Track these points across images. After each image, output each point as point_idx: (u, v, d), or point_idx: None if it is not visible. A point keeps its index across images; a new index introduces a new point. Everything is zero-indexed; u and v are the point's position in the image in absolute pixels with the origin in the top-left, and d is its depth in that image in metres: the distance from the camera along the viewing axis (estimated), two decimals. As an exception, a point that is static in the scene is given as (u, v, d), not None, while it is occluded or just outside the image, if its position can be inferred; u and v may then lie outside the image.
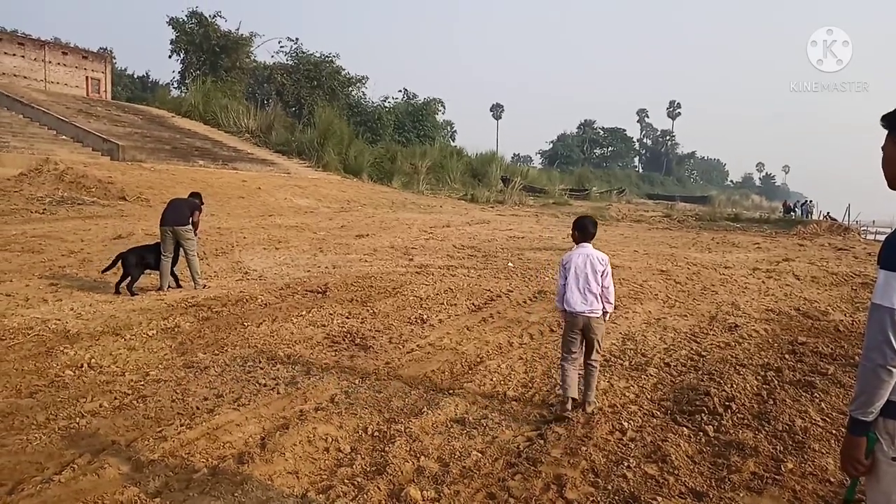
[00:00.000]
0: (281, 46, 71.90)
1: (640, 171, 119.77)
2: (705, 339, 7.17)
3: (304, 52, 52.10)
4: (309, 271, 10.69)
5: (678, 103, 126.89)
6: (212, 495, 3.45)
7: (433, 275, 10.66)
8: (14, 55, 41.65)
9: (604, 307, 4.77)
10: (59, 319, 6.89)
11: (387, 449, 4.07)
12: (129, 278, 8.40)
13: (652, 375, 5.80)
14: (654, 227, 26.24)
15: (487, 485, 3.70)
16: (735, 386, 5.40)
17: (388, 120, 52.41)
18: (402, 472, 3.78)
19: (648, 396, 5.28)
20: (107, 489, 3.45)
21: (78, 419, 4.40)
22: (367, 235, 16.54)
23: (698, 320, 8.17)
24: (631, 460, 4.02)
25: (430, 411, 4.73)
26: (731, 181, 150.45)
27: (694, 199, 65.84)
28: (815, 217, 38.96)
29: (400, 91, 72.92)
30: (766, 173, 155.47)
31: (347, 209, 25.52)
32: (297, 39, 56.68)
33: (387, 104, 55.97)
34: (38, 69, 42.80)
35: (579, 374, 4.96)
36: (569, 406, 4.71)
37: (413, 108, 56.45)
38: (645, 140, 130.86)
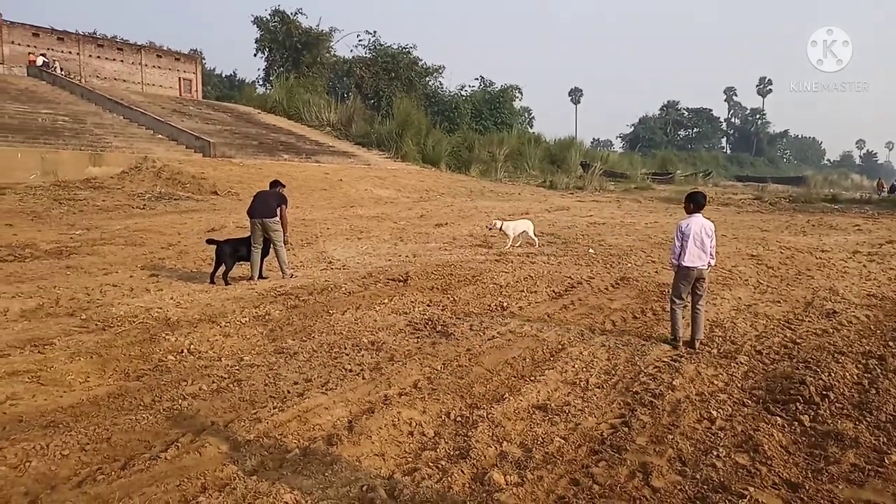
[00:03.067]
0: (359, 40, 72.86)
1: (728, 152, 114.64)
2: (800, 326, 6.85)
3: (381, 45, 52.93)
4: (390, 260, 10.90)
5: (769, 80, 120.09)
6: (304, 474, 3.61)
7: (512, 262, 10.64)
8: (114, 60, 44.50)
9: (710, 262, 6.09)
10: (160, 308, 7.33)
11: (470, 434, 4.12)
12: (224, 268, 8.83)
13: (742, 363, 5.60)
14: (744, 210, 25.11)
15: (571, 471, 3.69)
16: (833, 374, 5.15)
17: (465, 108, 52.43)
18: (485, 457, 3.82)
19: (739, 385, 5.10)
20: (208, 466, 3.67)
21: (180, 401, 4.69)
22: (446, 224, 16.67)
23: (792, 306, 7.80)
24: (720, 449, 3.91)
25: (511, 397, 4.75)
26: (829, 160, 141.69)
27: (787, 181, 62.21)
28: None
29: (476, 79, 72.87)
30: (868, 150, 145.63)
31: (426, 199, 25.79)
32: (374, 32, 57.54)
33: (463, 93, 56.05)
34: (135, 72, 45.53)
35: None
36: (680, 345, 6.05)
37: (490, 95, 56.13)
38: (733, 120, 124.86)
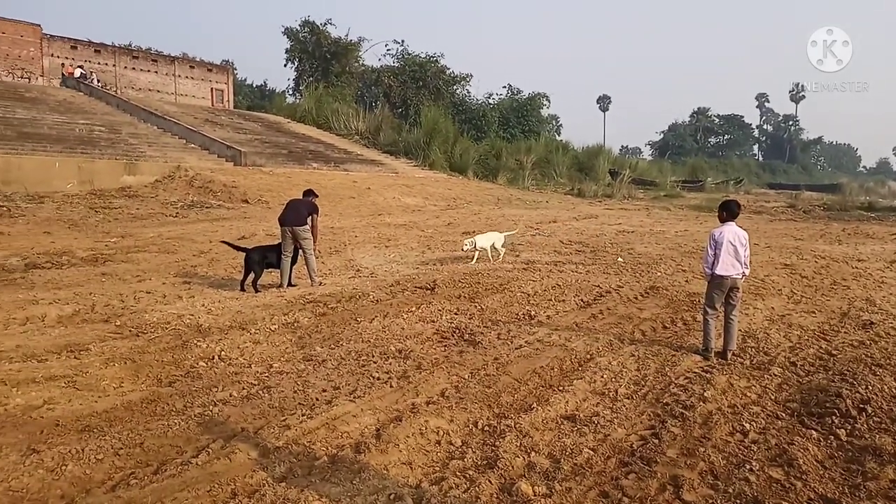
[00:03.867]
0: (387, 49, 73.55)
1: (760, 159, 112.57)
2: (836, 338, 6.70)
3: (409, 54, 53.23)
4: (417, 268, 10.93)
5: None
6: (332, 482, 3.63)
7: (540, 271, 10.59)
8: (149, 71, 45.49)
9: (743, 271, 6.05)
10: (192, 315, 7.43)
11: (497, 444, 4.10)
12: (254, 276, 8.94)
13: (776, 375, 5.49)
14: (777, 218, 24.68)
15: (600, 483, 3.65)
16: (871, 387, 5.02)
17: (492, 116, 52.39)
18: (512, 467, 3.80)
19: (772, 397, 5.01)
20: (238, 473, 3.71)
21: (211, 407, 4.75)
22: (474, 232, 16.60)
23: (828, 317, 7.63)
24: (754, 463, 3.83)
25: (539, 407, 4.72)
26: (864, 167, 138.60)
27: (821, 188, 60.72)
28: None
29: (504, 87, 72.85)
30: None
31: (453, 207, 25.82)
32: (402, 41, 57.96)
33: (491, 101, 56.05)
34: (169, 83, 46.46)
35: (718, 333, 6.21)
36: (711, 355, 6.01)
37: (517, 103, 56.00)
38: (765, 126, 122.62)
